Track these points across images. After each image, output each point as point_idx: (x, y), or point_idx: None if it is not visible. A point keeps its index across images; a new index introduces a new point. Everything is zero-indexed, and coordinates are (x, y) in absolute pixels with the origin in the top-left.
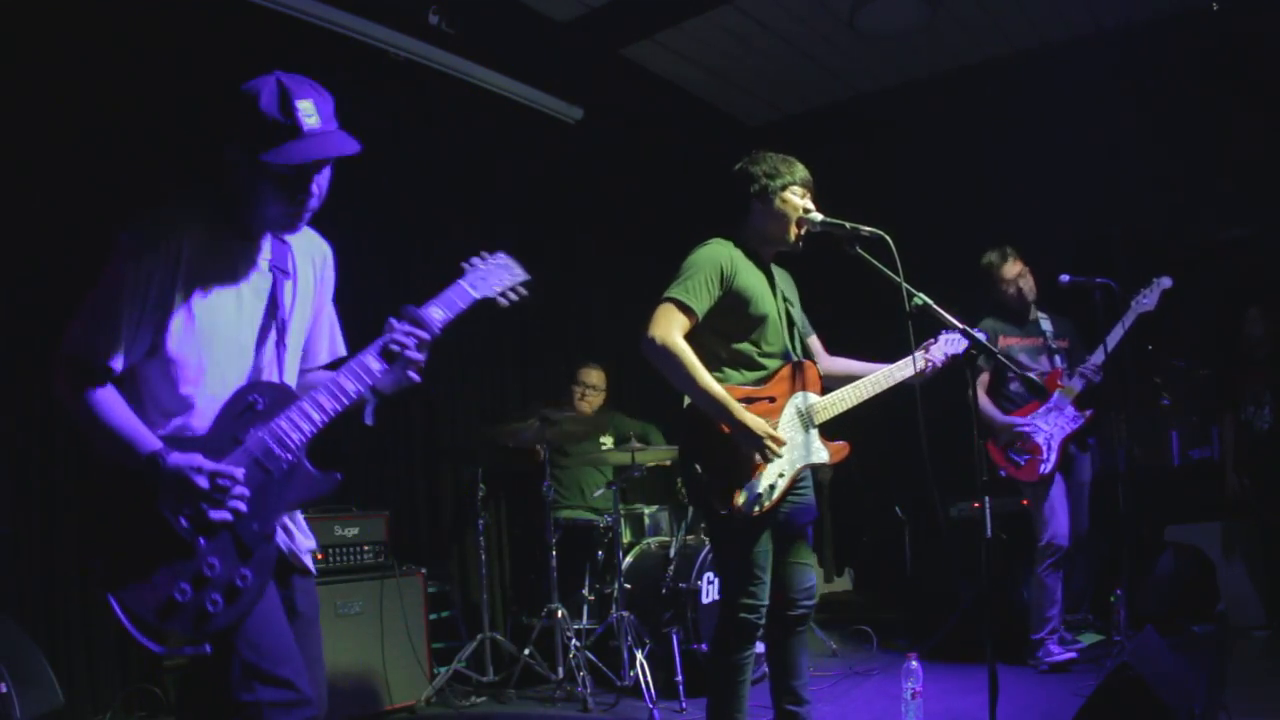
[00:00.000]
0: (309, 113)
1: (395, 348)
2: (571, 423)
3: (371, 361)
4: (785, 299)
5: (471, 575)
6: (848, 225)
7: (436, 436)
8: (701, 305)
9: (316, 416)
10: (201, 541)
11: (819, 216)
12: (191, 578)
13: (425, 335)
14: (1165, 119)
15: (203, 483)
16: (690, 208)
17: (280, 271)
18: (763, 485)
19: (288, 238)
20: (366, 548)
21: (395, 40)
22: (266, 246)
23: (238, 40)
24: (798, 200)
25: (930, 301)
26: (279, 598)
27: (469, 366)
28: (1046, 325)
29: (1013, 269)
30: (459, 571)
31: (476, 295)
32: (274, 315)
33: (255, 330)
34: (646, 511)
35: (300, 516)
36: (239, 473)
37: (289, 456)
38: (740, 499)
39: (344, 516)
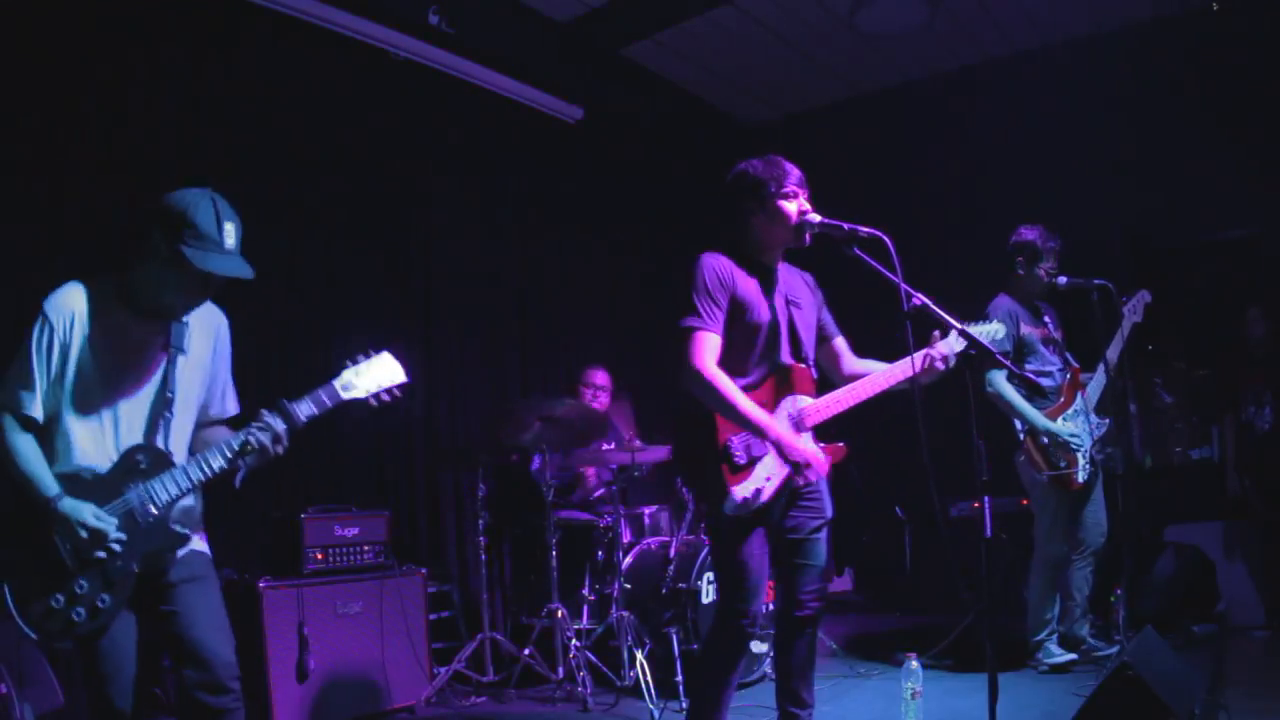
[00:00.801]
0: (230, 234)
1: (253, 442)
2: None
3: (236, 444)
4: (791, 302)
5: (471, 575)
6: (846, 226)
7: (436, 436)
8: (718, 324)
9: (183, 483)
10: (78, 567)
11: (817, 217)
12: (65, 592)
13: (281, 432)
14: (1165, 119)
15: (83, 532)
16: (690, 208)
17: (176, 350)
18: (749, 489)
19: (189, 316)
20: (366, 548)
21: (395, 40)
22: (165, 329)
23: (238, 40)
24: (790, 205)
25: (929, 302)
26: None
27: (469, 366)
28: (1048, 315)
29: (1054, 260)
30: (459, 571)
31: (344, 397)
32: (165, 389)
33: (150, 400)
34: (646, 511)
35: (188, 507)
36: (112, 525)
37: (156, 513)
38: (726, 502)
39: (344, 516)
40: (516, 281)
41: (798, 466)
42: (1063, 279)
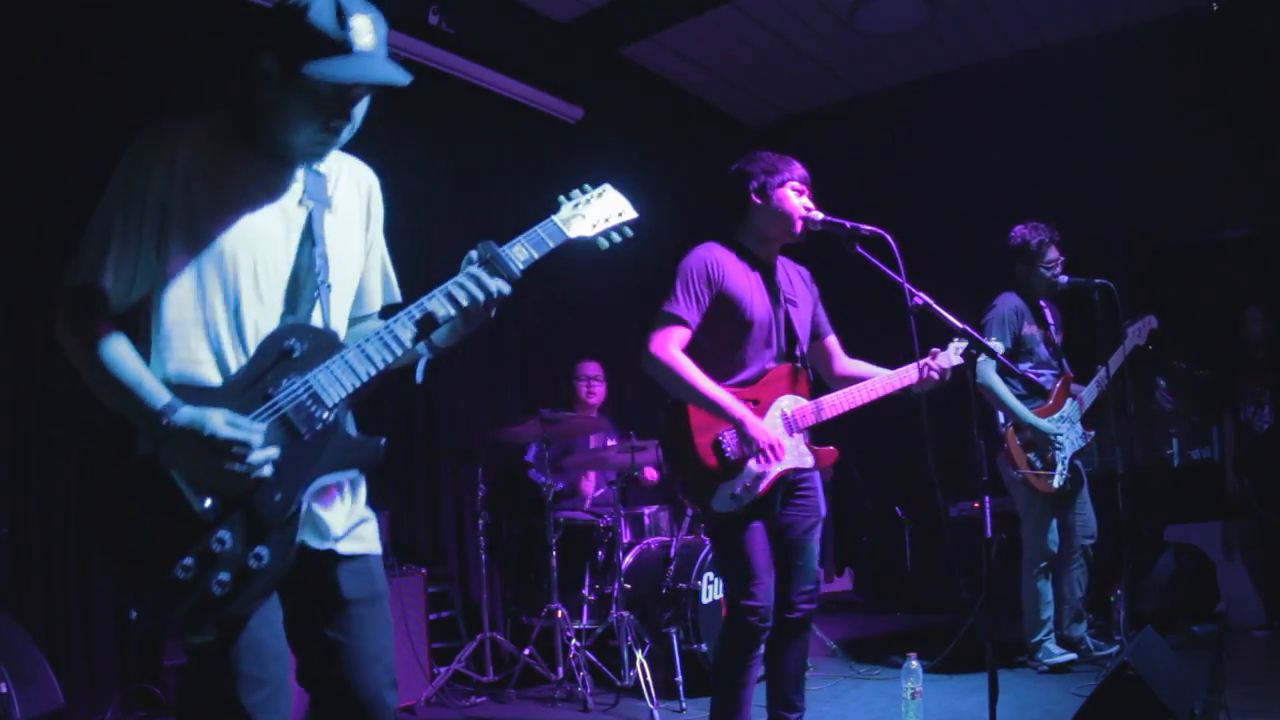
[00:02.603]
0: (364, 30)
1: (463, 297)
2: (572, 421)
3: (437, 306)
4: (787, 300)
5: (471, 575)
6: (848, 224)
7: (436, 436)
8: (694, 315)
9: (363, 370)
10: (212, 512)
11: (820, 215)
12: (198, 554)
13: (493, 290)
14: (1165, 119)
15: (214, 448)
16: (690, 207)
17: (320, 203)
18: (739, 486)
19: (331, 167)
20: None
21: (395, 40)
22: (299, 173)
23: (238, 41)
24: (796, 198)
25: (931, 300)
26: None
27: (469, 366)
28: (1048, 315)
29: (1055, 252)
30: (459, 571)
31: (570, 235)
32: (312, 248)
33: (290, 263)
34: (646, 511)
35: (353, 485)
36: (257, 437)
37: (326, 416)
38: (715, 499)
39: None
40: (516, 281)
41: (757, 449)
42: (1064, 278)
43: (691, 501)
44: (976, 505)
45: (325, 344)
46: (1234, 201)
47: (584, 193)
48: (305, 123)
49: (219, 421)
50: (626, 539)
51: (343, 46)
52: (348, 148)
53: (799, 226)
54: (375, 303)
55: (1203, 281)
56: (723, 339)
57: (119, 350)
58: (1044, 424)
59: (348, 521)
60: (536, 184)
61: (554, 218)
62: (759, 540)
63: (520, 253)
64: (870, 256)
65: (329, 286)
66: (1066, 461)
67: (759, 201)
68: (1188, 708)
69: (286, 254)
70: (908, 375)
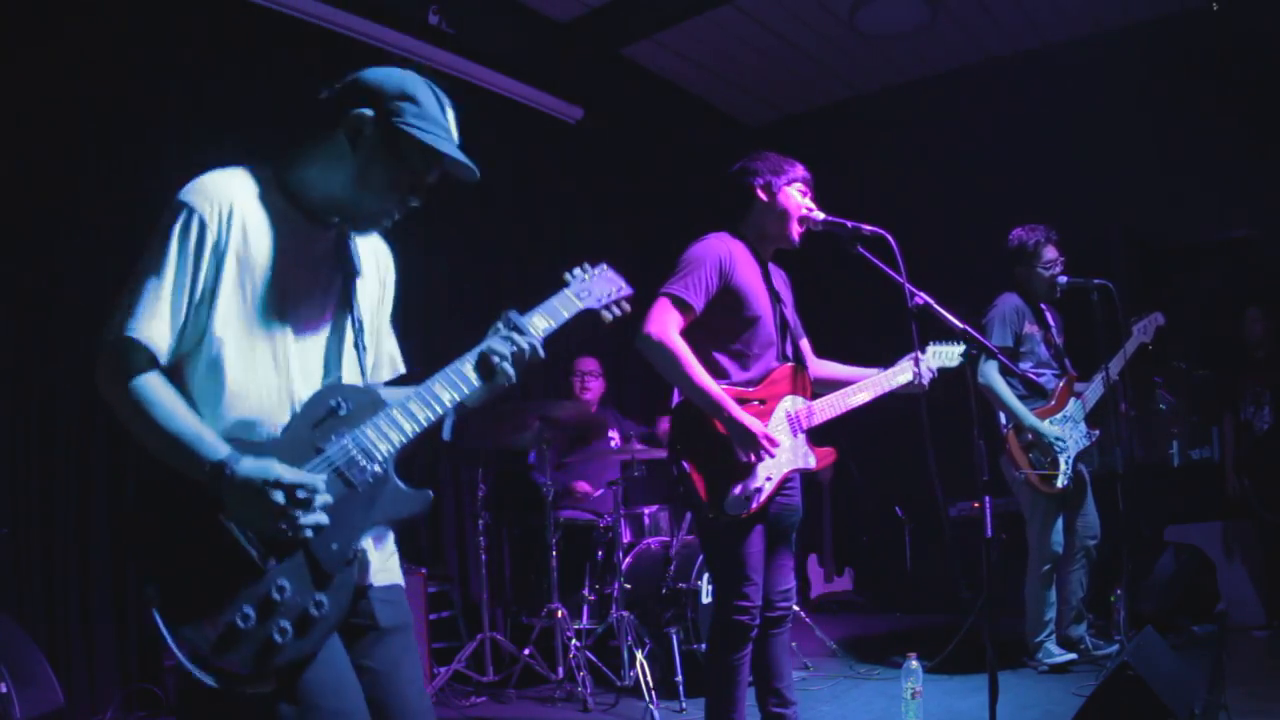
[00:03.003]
0: (453, 122)
1: (495, 359)
2: (571, 416)
3: (469, 370)
4: (781, 298)
5: (471, 575)
6: (849, 225)
7: (436, 436)
8: (699, 301)
9: (408, 426)
10: (272, 561)
11: (821, 215)
12: (257, 602)
13: (526, 347)
14: (1165, 119)
15: (279, 496)
16: (690, 208)
17: (352, 270)
18: (750, 487)
19: (357, 237)
20: None
21: (395, 40)
22: (335, 240)
23: (238, 41)
24: (799, 198)
25: (931, 300)
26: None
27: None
28: (1050, 318)
29: (1053, 252)
30: (459, 571)
31: (582, 305)
32: (349, 313)
33: (330, 326)
34: (646, 511)
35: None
36: (320, 482)
37: (375, 469)
38: (727, 501)
39: None
40: (516, 281)
41: (755, 446)
42: (1063, 279)
43: (702, 505)
44: (976, 505)
45: (369, 402)
46: (1234, 201)
47: (585, 270)
48: (379, 190)
49: (283, 470)
50: (626, 539)
51: (442, 125)
52: None
53: (797, 227)
54: (384, 374)
55: (1203, 281)
56: (728, 334)
57: (174, 405)
58: (1044, 426)
59: (383, 557)
60: (537, 184)
61: (566, 291)
62: (757, 542)
63: (540, 322)
64: (871, 257)
65: (365, 349)
66: (1071, 461)
67: (764, 199)
68: (1188, 708)
69: (327, 318)
70: (901, 374)
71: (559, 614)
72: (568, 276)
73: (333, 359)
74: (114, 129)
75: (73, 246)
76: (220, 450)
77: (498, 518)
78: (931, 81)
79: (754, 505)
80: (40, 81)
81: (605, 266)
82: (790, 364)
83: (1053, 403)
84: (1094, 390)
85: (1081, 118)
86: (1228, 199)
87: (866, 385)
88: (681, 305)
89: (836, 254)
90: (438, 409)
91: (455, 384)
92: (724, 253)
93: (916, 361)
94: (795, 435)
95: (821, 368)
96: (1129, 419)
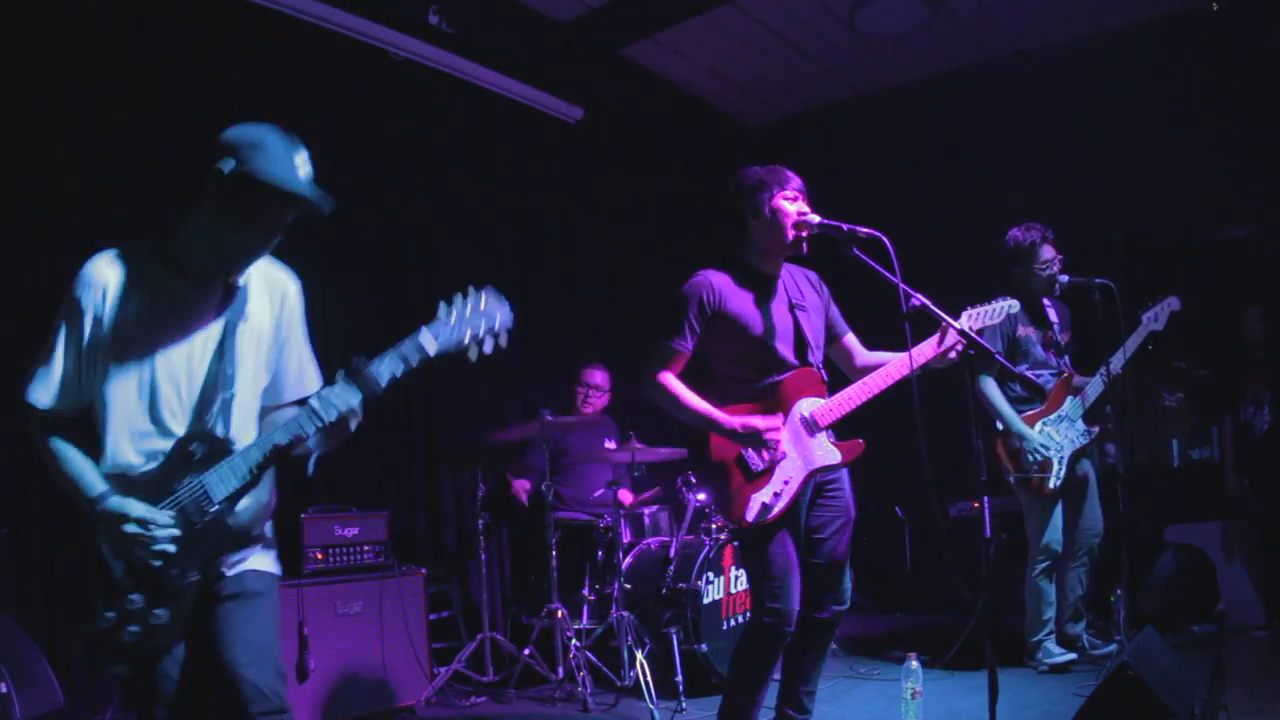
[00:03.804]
0: (302, 165)
1: (320, 416)
2: (571, 424)
3: (306, 423)
4: (796, 306)
5: (471, 575)
6: (845, 227)
7: (436, 436)
8: (689, 343)
9: (241, 471)
10: (127, 579)
11: (816, 218)
12: (117, 608)
13: (355, 410)
14: (1164, 119)
15: (131, 528)
16: (690, 208)
17: (235, 318)
18: (768, 493)
19: (248, 278)
20: (366, 548)
21: (395, 40)
22: (219, 294)
23: (238, 41)
24: (790, 206)
25: (928, 301)
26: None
27: (469, 366)
28: (1053, 315)
29: (1050, 251)
30: (459, 571)
31: (435, 351)
32: (224, 365)
33: (203, 376)
34: (646, 511)
35: (257, 506)
36: (166, 517)
37: (213, 509)
38: (748, 510)
39: (344, 516)
40: (516, 281)
41: (761, 443)
42: (1064, 278)
43: (727, 518)
44: (976, 505)
45: (219, 449)
46: (1234, 201)
47: (465, 298)
48: (242, 232)
49: (138, 508)
50: (626, 539)
51: (290, 166)
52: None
53: (792, 234)
54: (290, 394)
55: (1203, 281)
56: (733, 357)
57: (67, 452)
58: (1030, 433)
59: (249, 557)
60: (537, 184)
61: (424, 330)
62: (784, 546)
63: (386, 367)
64: (867, 258)
65: (234, 396)
66: (1064, 461)
67: (753, 219)
68: (1188, 708)
69: (201, 368)
70: (924, 351)
71: (559, 614)
72: (441, 305)
73: (206, 406)
74: (114, 127)
75: (73, 246)
76: (97, 488)
77: (498, 518)
78: (931, 81)
79: (777, 510)
80: (40, 81)
81: (487, 294)
82: (801, 369)
83: (1041, 407)
84: (1094, 387)
85: (1081, 118)
86: (1227, 199)
87: (890, 366)
88: (674, 351)
89: (832, 256)
90: (268, 453)
91: (288, 431)
92: (705, 288)
93: (944, 333)
94: (814, 435)
95: (871, 357)
96: (1128, 420)
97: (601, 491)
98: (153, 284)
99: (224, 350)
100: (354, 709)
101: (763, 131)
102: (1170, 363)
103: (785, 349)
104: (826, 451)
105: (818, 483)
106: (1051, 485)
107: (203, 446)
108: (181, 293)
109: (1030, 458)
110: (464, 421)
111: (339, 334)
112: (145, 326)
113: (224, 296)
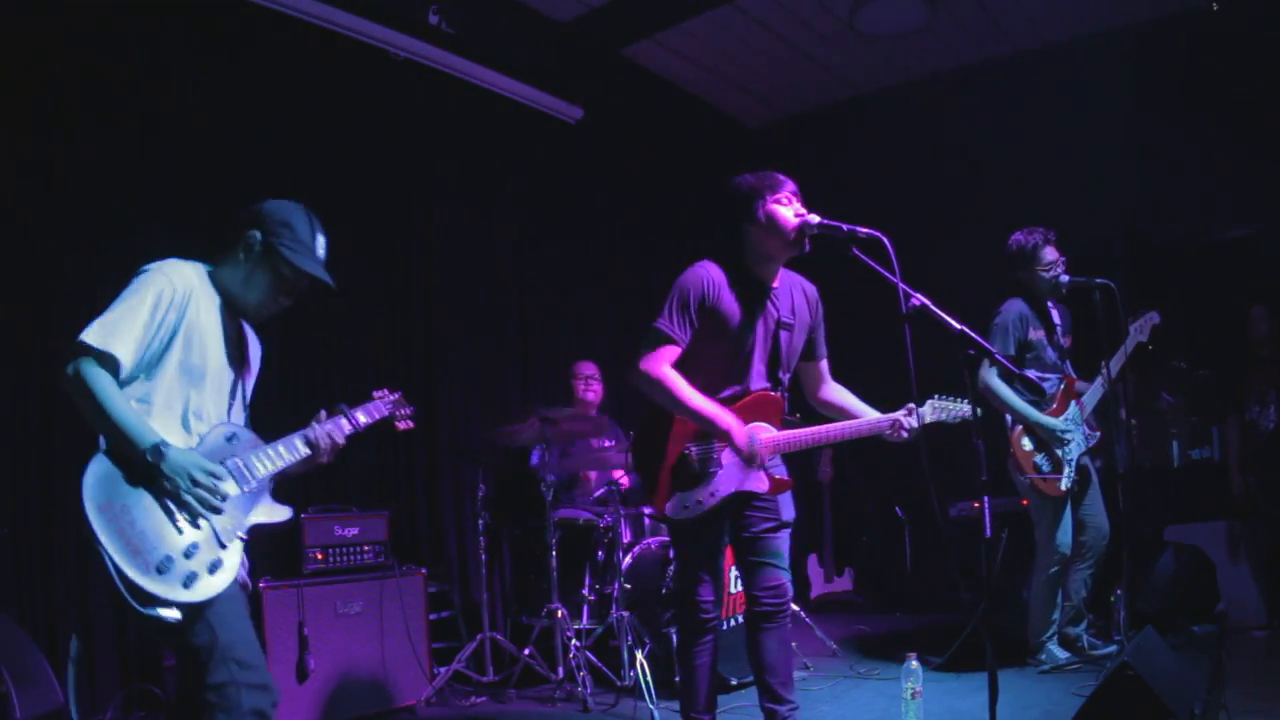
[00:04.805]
0: (321, 246)
1: (317, 440)
2: (572, 420)
3: (299, 445)
4: (782, 324)
5: (471, 575)
6: (844, 227)
7: (436, 436)
8: (684, 333)
9: (277, 460)
10: (188, 528)
11: (815, 219)
12: (178, 553)
13: (340, 440)
14: (1165, 119)
15: (201, 475)
16: (690, 208)
17: (250, 343)
18: (690, 498)
19: (248, 326)
20: (366, 548)
21: (395, 40)
22: (242, 326)
23: (238, 41)
24: (785, 209)
25: (928, 302)
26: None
27: (469, 366)
28: (1055, 317)
29: (1053, 253)
30: (459, 571)
31: (299, 455)
32: (240, 379)
33: (230, 382)
34: (646, 511)
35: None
36: (225, 473)
37: (254, 482)
38: (669, 506)
39: (344, 516)
40: (516, 281)
41: (745, 456)
42: (1065, 278)
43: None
44: (976, 505)
45: (253, 441)
46: (1234, 201)
47: (359, 409)
48: (261, 293)
49: (202, 461)
50: (626, 539)
51: (309, 248)
52: None
53: (793, 236)
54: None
55: (1203, 281)
56: (709, 354)
57: (123, 400)
58: (1053, 421)
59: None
60: (537, 184)
61: (301, 432)
62: (702, 543)
63: (362, 418)
64: (867, 259)
65: (247, 416)
66: (1074, 463)
67: (749, 224)
68: (1188, 708)
69: (228, 387)
70: (879, 426)
71: (559, 614)
72: (340, 406)
73: (231, 405)
74: (114, 125)
75: (74, 245)
76: (154, 435)
77: (498, 518)
78: (931, 81)
79: (693, 514)
80: (39, 80)
81: (391, 403)
82: (766, 388)
83: (1053, 407)
84: (1093, 392)
85: (1081, 117)
86: (1227, 199)
87: (842, 428)
88: (667, 339)
89: (831, 257)
90: (280, 463)
91: (293, 449)
92: (706, 281)
93: (910, 412)
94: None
95: (834, 393)
96: (1129, 419)
97: (602, 491)
98: (212, 304)
99: (242, 381)
100: (354, 709)
101: (763, 131)
102: (1170, 363)
103: (759, 363)
104: (755, 479)
105: (747, 494)
106: (1063, 486)
107: (240, 436)
108: (224, 317)
109: (1053, 454)
110: (464, 421)
111: (338, 333)
112: (204, 340)
113: (245, 328)
